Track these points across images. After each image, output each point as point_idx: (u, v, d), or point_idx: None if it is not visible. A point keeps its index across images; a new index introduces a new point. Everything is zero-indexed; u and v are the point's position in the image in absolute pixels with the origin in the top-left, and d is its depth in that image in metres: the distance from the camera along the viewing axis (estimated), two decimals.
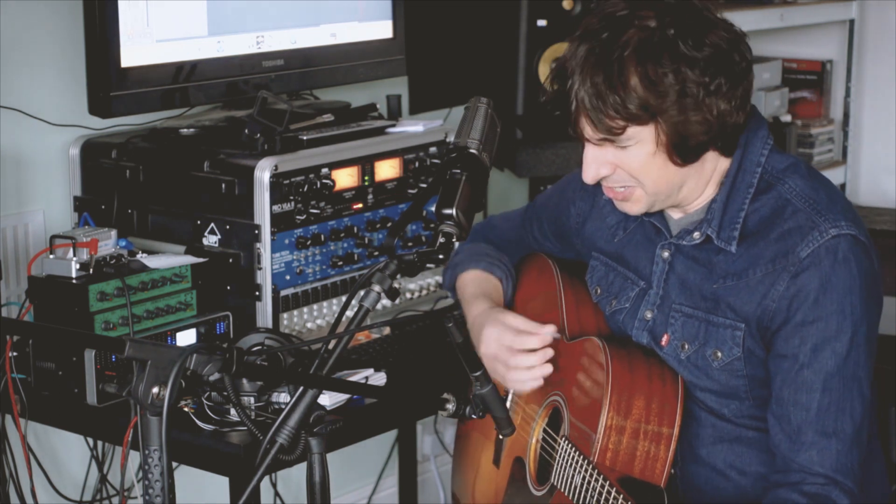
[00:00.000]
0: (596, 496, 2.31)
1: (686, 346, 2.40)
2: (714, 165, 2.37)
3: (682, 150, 2.29)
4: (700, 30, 2.26)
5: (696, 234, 2.39)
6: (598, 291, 2.59)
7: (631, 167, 2.32)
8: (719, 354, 2.36)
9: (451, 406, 2.12)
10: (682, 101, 2.24)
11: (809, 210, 2.32)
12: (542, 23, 3.83)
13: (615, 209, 2.55)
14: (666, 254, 2.45)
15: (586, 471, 2.35)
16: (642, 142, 2.29)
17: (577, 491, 2.37)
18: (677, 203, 2.40)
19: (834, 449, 2.28)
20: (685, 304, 2.42)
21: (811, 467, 2.28)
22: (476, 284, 2.71)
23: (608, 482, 2.29)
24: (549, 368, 2.47)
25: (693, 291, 2.41)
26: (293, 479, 3.74)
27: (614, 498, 2.27)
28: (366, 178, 3.08)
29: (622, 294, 2.52)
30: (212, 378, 1.87)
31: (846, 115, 4.80)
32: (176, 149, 3.05)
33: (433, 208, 2.13)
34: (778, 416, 2.32)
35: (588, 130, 2.31)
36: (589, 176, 2.36)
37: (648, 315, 2.47)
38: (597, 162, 2.34)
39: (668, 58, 2.24)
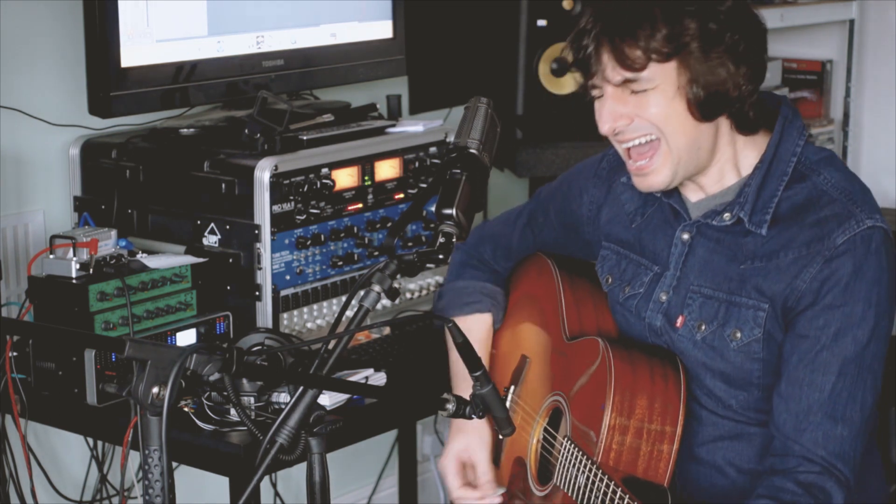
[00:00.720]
0: (601, 496, 2.31)
1: (703, 327, 2.41)
2: (731, 142, 2.38)
3: (700, 102, 2.31)
4: None
5: (727, 216, 2.40)
6: (610, 280, 2.59)
7: (651, 114, 2.32)
8: (738, 335, 2.37)
9: (451, 406, 2.11)
10: (703, 45, 2.28)
11: (846, 200, 2.35)
12: (542, 23, 3.83)
13: (633, 196, 2.54)
14: (686, 236, 2.46)
15: (590, 470, 2.35)
16: (661, 86, 2.30)
17: (581, 491, 2.37)
18: (696, 172, 2.40)
19: (839, 434, 2.29)
20: (705, 286, 2.42)
21: (813, 450, 2.29)
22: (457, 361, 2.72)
23: (613, 482, 2.29)
24: None
25: (716, 272, 2.41)
26: (293, 479, 3.74)
27: (620, 497, 2.27)
28: (366, 178, 3.08)
29: (636, 280, 2.53)
30: (212, 378, 1.87)
31: (846, 115, 4.80)
32: (176, 149, 3.05)
33: (433, 208, 2.13)
34: (787, 395, 2.32)
35: (608, 70, 2.32)
36: (606, 126, 2.36)
37: (663, 297, 2.47)
38: (614, 113, 2.35)
39: (692, 3, 2.28)
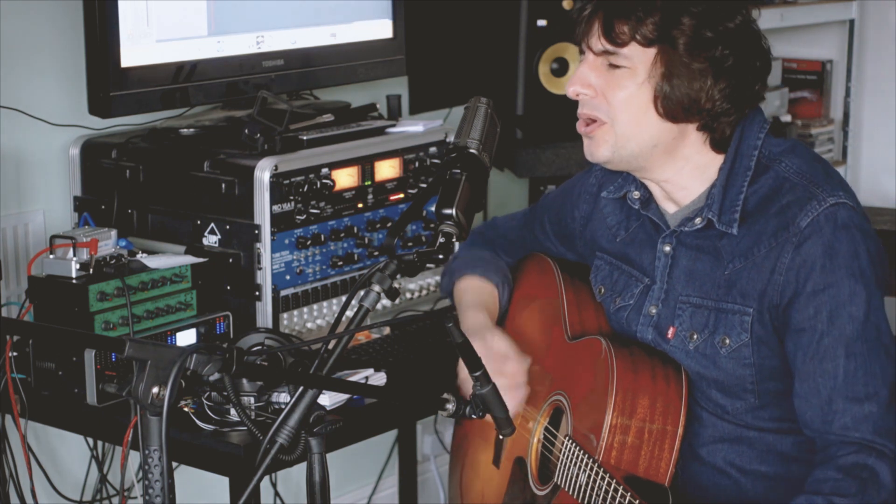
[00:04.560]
0: (602, 494, 2.31)
1: (695, 336, 2.41)
2: (700, 152, 2.38)
3: (666, 99, 2.32)
4: (736, 9, 2.33)
5: (698, 220, 2.40)
6: (602, 291, 2.59)
7: (615, 97, 2.34)
8: (727, 341, 2.37)
9: (451, 406, 2.12)
10: (690, 46, 2.29)
11: (806, 183, 2.34)
12: (542, 23, 3.84)
13: (616, 210, 2.56)
14: (667, 248, 2.46)
15: (591, 469, 2.35)
16: (636, 69, 2.32)
17: (582, 489, 2.37)
18: (646, 168, 2.40)
19: (867, 412, 2.26)
20: (693, 295, 2.42)
21: (847, 434, 2.27)
22: (472, 293, 2.74)
23: (614, 480, 2.29)
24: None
25: (703, 281, 2.41)
26: (293, 479, 3.74)
27: (622, 496, 2.27)
28: (366, 178, 3.08)
29: (626, 291, 2.53)
30: (212, 378, 1.87)
31: (846, 115, 4.81)
32: (176, 149, 3.05)
33: (433, 208, 2.13)
34: (804, 394, 2.31)
35: (594, 38, 2.35)
36: (571, 89, 2.39)
37: (653, 310, 2.47)
38: (584, 79, 2.38)
39: (697, 6, 2.30)
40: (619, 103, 2.34)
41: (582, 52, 2.41)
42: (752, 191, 2.37)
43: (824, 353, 2.29)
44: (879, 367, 2.28)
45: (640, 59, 2.32)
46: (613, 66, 2.34)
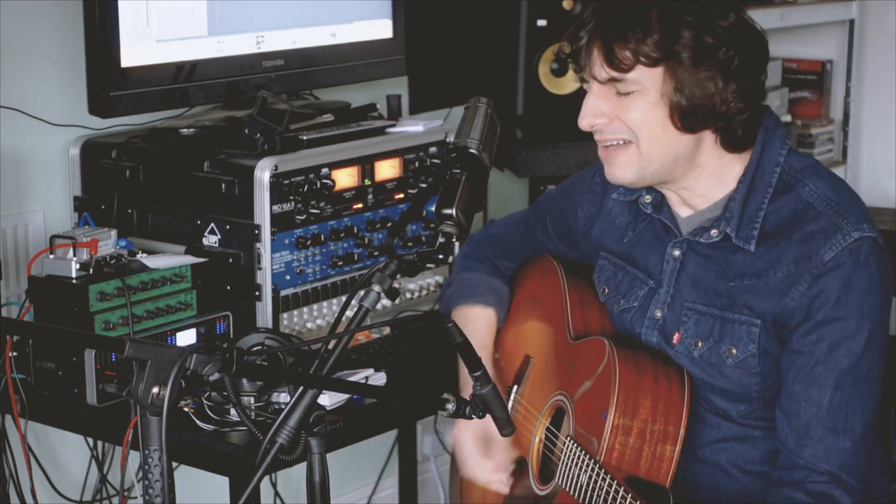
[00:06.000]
0: (602, 494, 2.31)
1: (700, 344, 2.40)
2: (716, 157, 2.37)
3: (683, 113, 2.30)
4: (727, 7, 2.31)
5: (714, 232, 2.39)
6: (606, 291, 2.58)
7: (630, 118, 2.32)
8: (734, 351, 2.37)
9: (451, 406, 2.11)
10: (695, 56, 2.27)
11: (832, 213, 2.33)
12: (542, 23, 3.84)
13: (624, 211, 2.55)
14: (677, 252, 2.45)
15: (592, 469, 2.35)
16: (646, 90, 2.30)
17: (583, 490, 2.37)
18: (670, 181, 2.39)
19: (842, 446, 2.29)
20: (698, 302, 2.42)
21: (816, 464, 2.29)
22: (468, 324, 2.72)
23: (615, 481, 2.29)
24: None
25: (707, 289, 2.41)
26: (293, 479, 3.74)
27: (622, 497, 2.27)
28: (366, 178, 3.08)
29: (630, 293, 2.52)
30: (212, 378, 1.87)
31: (846, 115, 4.81)
32: (176, 149, 3.05)
33: (433, 208, 2.13)
34: (787, 411, 2.32)
35: (596, 66, 2.32)
36: (584, 122, 2.36)
37: (658, 314, 2.47)
38: (595, 109, 2.35)
39: (691, 14, 2.27)
40: (636, 124, 2.32)
41: (584, 82, 2.37)
42: (773, 209, 2.36)
43: (815, 379, 2.30)
44: (860, 404, 2.30)
45: (648, 79, 2.29)
46: (622, 94, 2.31)
